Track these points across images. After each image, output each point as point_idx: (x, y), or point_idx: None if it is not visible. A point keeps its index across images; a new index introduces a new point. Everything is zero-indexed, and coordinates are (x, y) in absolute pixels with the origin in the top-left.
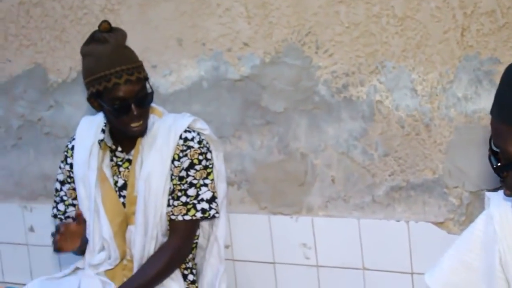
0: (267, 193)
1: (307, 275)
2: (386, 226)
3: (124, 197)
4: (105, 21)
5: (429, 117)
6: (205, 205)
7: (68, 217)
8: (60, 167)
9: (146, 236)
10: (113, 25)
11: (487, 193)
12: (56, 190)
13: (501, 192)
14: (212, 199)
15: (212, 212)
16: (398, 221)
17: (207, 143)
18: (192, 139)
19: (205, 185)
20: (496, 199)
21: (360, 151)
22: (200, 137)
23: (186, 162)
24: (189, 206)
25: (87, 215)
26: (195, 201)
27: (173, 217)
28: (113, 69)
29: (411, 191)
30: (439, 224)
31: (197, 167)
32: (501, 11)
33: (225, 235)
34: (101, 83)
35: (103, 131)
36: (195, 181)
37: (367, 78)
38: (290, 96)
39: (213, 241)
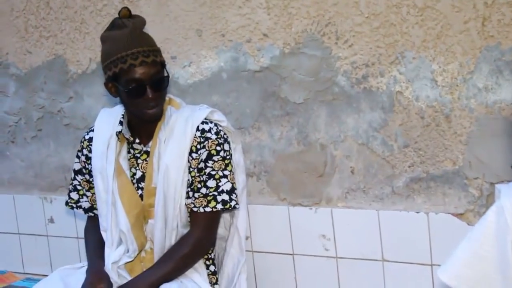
0: (286, 184)
1: (326, 266)
2: (406, 217)
3: (142, 189)
4: (125, 8)
5: (449, 108)
6: (225, 197)
7: (80, 206)
8: (77, 156)
9: (166, 229)
10: None
11: (497, 185)
12: (71, 179)
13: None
14: (232, 190)
15: (233, 203)
16: (418, 212)
17: (224, 134)
18: (210, 131)
19: (225, 176)
20: (507, 190)
21: (380, 142)
22: (217, 128)
23: (204, 154)
24: (209, 198)
25: (104, 208)
26: (215, 193)
27: (194, 209)
28: (129, 50)
29: (431, 182)
30: (459, 216)
31: (215, 158)
32: None
33: (245, 226)
34: (117, 65)
35: (121, 123)
36: (213, 172)
37: (387, 68)
38: (310, 87)
39: (234, 232)
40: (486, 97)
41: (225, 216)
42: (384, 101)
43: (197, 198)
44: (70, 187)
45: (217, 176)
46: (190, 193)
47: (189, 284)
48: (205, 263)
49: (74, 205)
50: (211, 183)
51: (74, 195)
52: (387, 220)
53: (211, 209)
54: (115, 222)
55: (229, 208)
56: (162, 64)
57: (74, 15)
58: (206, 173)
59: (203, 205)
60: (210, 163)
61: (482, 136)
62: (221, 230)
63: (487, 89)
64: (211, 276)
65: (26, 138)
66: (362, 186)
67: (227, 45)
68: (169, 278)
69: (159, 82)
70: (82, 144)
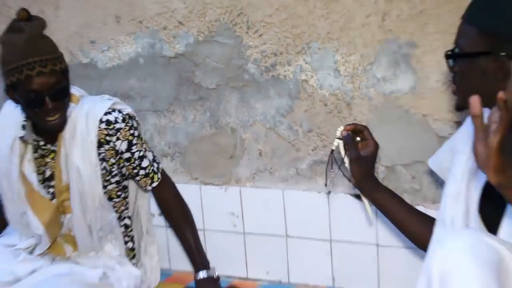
0: (198, 164)
1: (235, 241)
2: (308, 197)
3: (53, 187)
4: (24, 10)
5: (350, 96)
6: (155, 164)
7: None
8: None
9: (87, 220)
10: (55, 1)
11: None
12: None
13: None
14: (154, 157)
15: (160, 166)
16: (319, 192)
17: (128, 116)
18: (116, 121)
19: (146, 149)
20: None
21: (286, 127)
22: (122, 114)
23: (123, 144)
24: (151, 175)
25: (9, 206)
26: (152, 168)
27: (143, 188)
28: (25, 60)
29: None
30: (357, 196)
31: (134, 141)
32: None
33: (147, 204)
34: (14, 75)
35: (24, 126)
36: (141, 153)
37: (294, 58)
38: (222, 74)
39: (139, 211)
40: (384, 87)
41: (131, 198)
42: (291, 89)
43: (140, 180)
44: None
45: (145, 154)
46: (112, 179)
47: (110, 261)
48: (124, 239)
49: None
50: (145, 163)
51: None
52: (291, 199)
53: (157, 182)
54: (24, 221)
55: (162, 171)
56: (63, 71)
57: None
58: (136, 158)
59: (148, 184)
60: (134, 148)
61: (379, 123)
62: (130, 212)
63: (385, 79)
64: (129, 251)
65: None
66: (269, 168)
67: (144, 32)
68: (198, 237)
69: (58, 92)
70: None
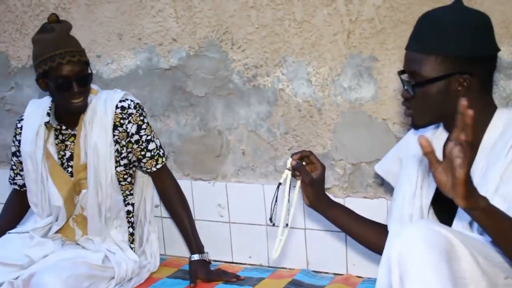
0: (189, 162)
1: (221, 229)
2: (285, 190)
3: (71, 167)
4: (54, 14)
5: (321, 103)
6: (161, 151)
7: (16, 183)
8: (13, 141)
9: (100, 196)
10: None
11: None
12: (11, 159)
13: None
14: (161, 145)
15: (166, 153)
16: (294, 186)
17: (139, 105)
18: (129, 107)
19: (154, 136)
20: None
21: (266, 130)
22: (134, 103)
23: (133, 127)
24: (156, 157)
25: (33, 186)
26: (157, 151)
27: (148, 170)
28: (57, 50)
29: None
30: (327, 189)
31: (143, 126)
32: (379, 19)
33: (152, 195)
34: (47, 63)
35: (48, 114)
36: (148, 137)
37: (272, 70)
38: (210, 83)
39: (144, 200)
40: (350, 95)
41: (138, 186)
42: (270, 96)
43: (146, 162)
44: (10, 165)
45: (152, 138)
46: (121, 162)
47: (112, 246)
48: (126, 225)
49: (11, 181)
50: (151, 145)
51: (11, 173)
52: (270, 193)
53: (161, 164)
54: (45, 199)
55: (167, 158)
56: (86, 63)
57: (16, 19)
58: (144, 140)
59: (153, 165)
60: (142, 132)
61: (346, 126)
62: (135, 199)
63: (350, 88)
64: (129, 236)
65: None
66: (251, 165)
67: (143, 47)
68: (194, 224)
69: (83, 79)
70: (15, 131)
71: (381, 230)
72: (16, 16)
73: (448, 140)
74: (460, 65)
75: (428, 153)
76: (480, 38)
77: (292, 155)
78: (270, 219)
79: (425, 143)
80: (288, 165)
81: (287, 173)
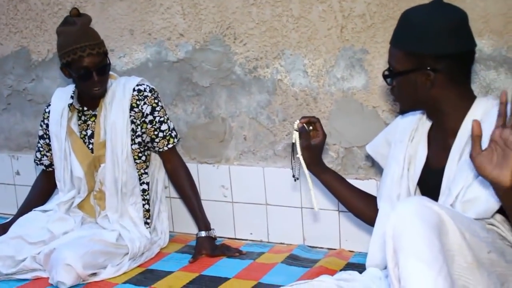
0: (196, 147)
1: (225, 209)
2: (284, 173)
3: (92, 143)
4: (75, 8)
5: (316, 92)
6: (173, 133)
7: (42, 163)
8: (40, 125)
9: (117, 170)
10: None
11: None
12: (37, 142)
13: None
14: (174, 127)
15: (177, 135)
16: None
17: (154, 90)
18: (145, 90)
19: (167, 119)
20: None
21: (265, 117)
22: (150, 87)
23: (148, 108)
24: (168, 137)
25: (58, 163)
26: (170, 132)
27: (160, 150)
28: (78, 44)
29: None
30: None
31: (157, 108)
32: (370, 14)
33: (163, 177)
34: (69, 55)
35: (71, 97)
36: (162, 119)
37: (271, 62)
38: (214, 75)
39: (156, 181)
40: (343, 85)
41: (151, 168)
42: (269, 86)
43: (159, 142)
44: (36, 148)
45: (165, 120)
46: (136, 140)
47: (128, 223)
48: (142, 202)
49: (38, 162)
50: (164, 126)
51: (38, 155)
52: (270, 175)
53: (172, 145)
54: (68, 173)
55: (178, 140)
56: (105, 54)
57: (36, 16)
58: (157, 121)
59: (165, 145)
60: (156, 114)
61: (339, 113)
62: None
63: (343, 78)
64: (145, 212)
65: None
66: (252, 149)
67: (153, 42)
68: (201, 203)
69: (102, 69)
70: (43, 116)
71: (370, 200)
72: (36, 13)
73: (496, 127)
74: (424, 62)
75: (476, 136)
76: (446, 37)
77: (301, 118)
78: (293, 176)
79: (477, 127)
80: (295, 127)
81: (295, 134)
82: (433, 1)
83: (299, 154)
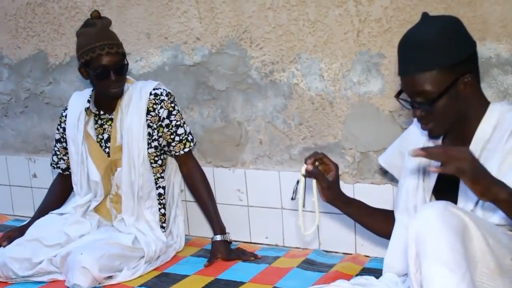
0: (211, 151)
1: (240, 212)
2: (299, 177)
3: (108, 147)
4: (96, 10)
5: (332, 96)
6: (190, 137)
7: (59, 167)
8: (57, 129)
9: (133, 174)
10: None
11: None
12: (54, 146)
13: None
14: (190, 131)
15: (194, 139)
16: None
17: (171, 94)
18: (161, 94)
19: (184, 123)
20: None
21: (281, 121)
22: (166, 91)
23: (164, 112)
24: (184, 141)
25: (75, 167)
26: (186, 136)
27: (177, 153)
28: (98, 43)
29: (318, 151)
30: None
31: (174, 112)
32: (386, 19)
33: (180, 181)
34: (88, 54)
35: (88, 101)
36: (178, 123)
37: (287, 66)
38: (230, 79)
39: (173, 185)
40: (359, 89)
41: (168, 173)
42: (285, 90)
43: (175, 146)
44: (53, 151)
45: (181, 124)
46: (152, 143)
47: (144, 226)
48: (158, 207)
49: (55, 166)
50: (180, 130)
51: (55, 158)
52: (286, 179)
53: (189, 149)
54: (84, 177)
55: (195, 144)
56: (123, 55)
57: (54, 20)
58: (174, 125)
59: (181, 149)
60: (172, 117)
61: (355, 117)
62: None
63: (359, 83)
64: (161, 216)
65: (16, 113)
66: (268, 153)
67: (169, 46)
68: (216, 207)
69: (120, 68)
70: (60, 119)
71: (389, 217)
72: (54, 17)
73: None
74: (456, 70)
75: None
76: (461, 38)
77: (305, 160)
78: (292, 198)
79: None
80: (303, 171)
81: (302, 180)
82: (423, 17)
83: (315, 198)
